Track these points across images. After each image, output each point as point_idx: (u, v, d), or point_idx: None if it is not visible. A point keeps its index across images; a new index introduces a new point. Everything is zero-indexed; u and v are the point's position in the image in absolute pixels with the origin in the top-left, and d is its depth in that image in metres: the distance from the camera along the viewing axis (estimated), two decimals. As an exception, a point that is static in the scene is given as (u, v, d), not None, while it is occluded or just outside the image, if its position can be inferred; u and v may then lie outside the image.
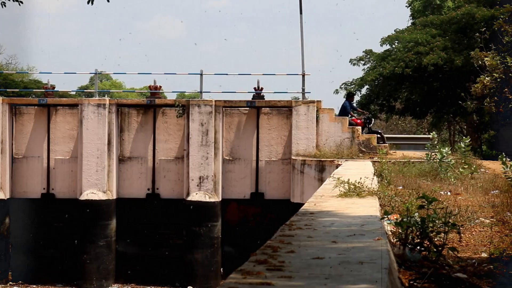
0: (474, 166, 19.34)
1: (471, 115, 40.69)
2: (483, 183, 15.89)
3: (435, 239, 6.56)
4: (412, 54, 39.32)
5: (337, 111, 29.51)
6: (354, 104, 31.89)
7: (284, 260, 5.15)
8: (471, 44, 38.45)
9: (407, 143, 39.02)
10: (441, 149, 19.70)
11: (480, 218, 10.03)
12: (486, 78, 34.55)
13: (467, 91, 37.02)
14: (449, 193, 13.89)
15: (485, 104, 35.01)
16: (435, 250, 6.35)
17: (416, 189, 13.29)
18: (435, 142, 21.95)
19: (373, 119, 29.78)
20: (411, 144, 38.41)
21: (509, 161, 16.37)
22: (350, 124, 27.45)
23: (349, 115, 28.30)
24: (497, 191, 14.12)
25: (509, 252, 7.18)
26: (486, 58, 34.80)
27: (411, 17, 47.42)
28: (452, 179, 17.03)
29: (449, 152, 19.81)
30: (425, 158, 20.76)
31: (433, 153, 20.30)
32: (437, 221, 6.53)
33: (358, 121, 28.32)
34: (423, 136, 37.47)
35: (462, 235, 8.55)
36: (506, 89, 34.07)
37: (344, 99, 31.03)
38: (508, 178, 15.51)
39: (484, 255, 7.20)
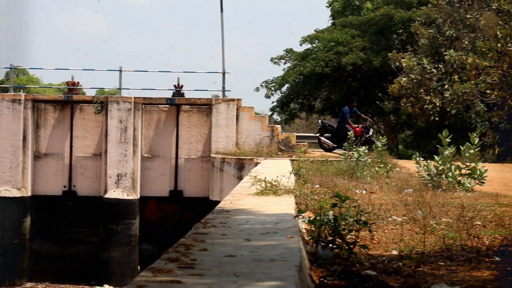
0: (390, 165, 19.70)
1: (389, 115, 41.48)
2: (397, 182, 16.20)
3: (347, 237, 6.68)
4: (332, 54, 39.86)
5: (257, 109, 29.65)
6: (357, 110, 28.95)
7: (196, 258, 5.17)
8: (389, 45, 39.23)
9: (326, 142, 39.32)
10: (358, 148, 20.00)
11: (393, 216, 10.23)
12: (403, 79, 35.41)
13: (385, 91, 37.77)
14: (364, 192, 14.12)
15: (402, 104, 35.87)
16: (346, 247, 6.47)
17: (332, 187, 13.47)
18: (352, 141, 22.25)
19: (371, 129, 27.40)
20: (330, 143, 38.72)
21: (422, 160, 16.76)
22: (347, 130, 25.28)
23: (346, 123, 26.82)
24: (410, 190, 14.43)
25: (418, 249, 7.37)
26: (403, 60, 35.71)
27: (331, 17, 48.03)
28: (368, 178, 17.31)
29: (366, 151, 20.13)
30: (342, 157, 21.05)
31: (350, 152, 20.58)
32: (349, 219, 6.66)
33: (357, 129, 26.43)
34: (342, 135, 37.88)
35: (374, 233, 8.72)
36: (422, 90, 34.91)
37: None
38: (421, 177, 15.89)
39: (394, 252, 7.36)
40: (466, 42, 34.58)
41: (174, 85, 28.41)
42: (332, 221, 6.53)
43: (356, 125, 27.07)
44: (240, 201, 9.98)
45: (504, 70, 30.56)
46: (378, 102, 38.85)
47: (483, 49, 32.13)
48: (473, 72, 32.02)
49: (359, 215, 6.80)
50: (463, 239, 7.67)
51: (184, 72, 32.19)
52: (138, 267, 25.87)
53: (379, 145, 20.40)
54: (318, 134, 28.20)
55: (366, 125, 27.03)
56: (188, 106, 27.70)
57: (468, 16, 34.64)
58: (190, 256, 5.23)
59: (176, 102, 27.50)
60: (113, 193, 26.09)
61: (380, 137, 21.90)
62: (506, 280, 5.51)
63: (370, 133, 26.84)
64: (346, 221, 6.65)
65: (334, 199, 6.97)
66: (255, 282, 4.37)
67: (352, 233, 6.69)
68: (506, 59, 30.30)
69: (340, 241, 6.53)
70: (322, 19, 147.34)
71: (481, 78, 31.96)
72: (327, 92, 44.05)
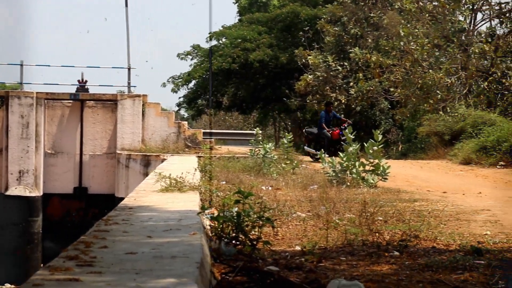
0: (296, 162, 19.87)
1: (295, 112, 41.91)
2: (303, 179, 16.36)
3: (251, 233, 6.70)
4: (239, 50, 39.95)
5: (165, 106, 29.49)
6: (335, 113, 26.48)
7: (96, 255, 5.10)
8: (296, 42, 39.60)
9: (233, 139, 39.45)
10: (265, 144, 20.11)
11: (298, 212, 10.33)
12: (309, 76, 35.84)
13: (292, 88, 38.14)
14: (270, 188, 14.21)
15: (308, 101, 36.32)
16: (249, 244, 6.49)
17: (238, 184, 13.50)
18: (259, 138, 22.37)
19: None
20: (237, 139, 38.87)
21: (327, 157, 16.97)
22: (323, 135, 24.33)
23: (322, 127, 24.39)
24: (315, 186, 14.58)
25: (321, 245, 7.45)
26: (309, 57, 36.13)
27: (238, 14, 48.14)
28: (275, 174, 17.43)
29: (273, 148, 20.25)
30: (249, 153, 21.13)
31: (257, 149, 20.67)
32: (252, 216, 6.68)
33: (334, 132, 24.09)
34: (249, 132, 38.09)
35: (278, 229, 8.78)
36: (327, 87, 35.41)
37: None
38: (326, 173, 16.09)
39: (298, 248, 7.43)
40: (370, 40, 35.24)
41: (78, 80, 27.99)
42: (235, 217, 6.54)
43: (334, 128, 24.36)
44: (144, 198, 9.90)
45: (407, 68, 31.34)
46: (285, 99, 39.19)
47: (387, 48, 32.92)
48: (377, 70, 32.72)
49: (262, 212, 6.83)
50: (364, 234, 7.79)
51: (88, 67, 31.71)
52: (42, 265, 25.36)
53: (285, 142, 20.54)
54: (306, 146, 25.94)
55: (344, 127, 23.56)
56: (92, 101, 27.30)
57: (372, 14, 35.30)
58: (89, 254, 5.15)
59: (80, 98, 27.07)
60: (15, 190, 25.52)
61: (286, 133, 22.04)
62: (404, 274, 5.63)
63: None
64: (250, 218, 6.67)
65: (237, 196, 6.97)
66: (154, 279, 4.34)
67: (255, 230, 6.72)
68: (408, 57, 31.09)
69: (243, 237, 6.55)
70: (230, 15, 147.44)
71: (385, 76, 32.69)
72: (235, 89, 44.15)
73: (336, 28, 36.45)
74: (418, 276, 5.52)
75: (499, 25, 32.29)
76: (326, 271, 5.94)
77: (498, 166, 22.09)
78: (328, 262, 6.42)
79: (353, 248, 7.12)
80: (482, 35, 31.85)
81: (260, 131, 23.38)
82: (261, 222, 6.69)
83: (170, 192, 10.69)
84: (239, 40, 40.56)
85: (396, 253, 6.70)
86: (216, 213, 7.02)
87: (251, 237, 6.60)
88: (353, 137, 16.14)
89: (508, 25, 31.57)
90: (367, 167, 15.53)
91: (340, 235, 7.86)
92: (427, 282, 5.29)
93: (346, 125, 22.38)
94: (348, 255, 6.78)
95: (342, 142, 21.68)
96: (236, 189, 8.24)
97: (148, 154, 25.27)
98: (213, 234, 6.73)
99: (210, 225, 7.11)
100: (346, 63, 35.52)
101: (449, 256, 6.37)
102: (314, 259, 6.48)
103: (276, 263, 6.20)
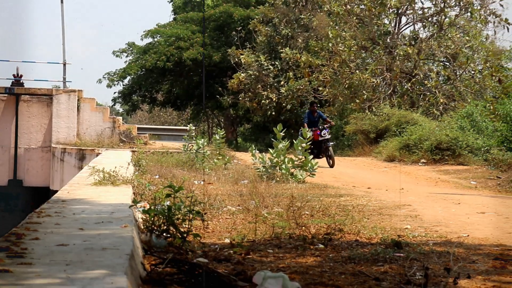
0: (228, 158, 19.88)
1: (228, 109, 41.94)
2: (234, 174, 16.37)
3: (181, 226, 6.68)
4: (173, 49, 39.79)
5: (101, 102, 29.19)
6: (321, 114, 22.80)
7: (27, 247, 5.01)
8: (229, 42, 39.66)
9: (167, 134, 39.17)
10: (198, 140, 20.06)
11: (228, 206, 10.33)
12: (242, 74, 35.92)
13: (225, 86, 38.16)
14: (202, 183, 14.18)
15: (241, 98, 36.41)
16: (180, 236, 6.47)
17: (171, 178, 13.44)
18: (193, 134, 22.29)
19: (325, 130, 21.24)
20: (171, 135, 38.61)
21: (258, 153, 17.03)
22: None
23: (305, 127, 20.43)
24: (246, 181, 14.61)
25: (249, 238, 7.47)
26: (242, 56, 36.21)
27: (172, 13, 47.92)
28: (207, 169, 17.40)
29: (205, 144, 20.22)
30: (183, 149, 21.06)
31: (190, 144, 20.62)
32: (183, 209, 6.66)
33: (315, 132, 20.92)
34: (183, 128, 37.93)
35: (209, 222, 8.78)
36: (259, 86, 35.53)
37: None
38: (257, 169, 16.14)
39: (227, 241, 7.43)
40: (300, 41, 35.49)
41: (13, 75, 27.46)
42: (166, 211, 6.51)
43: (315, 128, 21.20)
44: (77, 191, 9.78)
45: (335, 69, 31.65)
46: (218, 97, 39.18)
47: (316, 48, 33.19)
48: (307, 70, 33.00)
49: (192, 205, 6.82)
50: (291, 228, 7.85)
51: (23, 62, 31.09)
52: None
53: (217, 138, 20.54)
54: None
55: (322, 127, 21.23)
56: (28, 96, 26.83)
57: (302, 16, 35.56)
58: (21, 245, 5.06)
59: (15, 92, 26.58)
60: None
61: (219, 130, 22.04)
62: (328, 266, 5.68)
63: (325, 136, 20.92)
64: (180, 211, 6.65)
65: (168, 190, 6.94)
66: (84, 271, 4.28)
67: (185, 223, 6.70)
68: (336, 58, 31.41)
69: (174, 230, 6.52)
70: (164, 14, 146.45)
71: (314, 75, 32.96)
72: (169, 86, 44.00)
73: (268, 29, 36.65)
74: (341, 268, 5.58)
75: (422, 29, 32.93)
76: (254, 263, 5.96)
77: (419, 164, 22.51)
78: (255, 254, 6.45)
79: (280, 241, 7.16)
80: (406, 38, 32.42)
81: (194, 127, 23.29)
82: (191, 216, 6.67)
83: (103, 185, 10.58)
84: (173, 39, 40.40)
85: (321, 246, 6.76)
86: (148, 207, 6.98)
87: (181, 230, 6.58)
88: (283, 134, 16.22)
89: (431, 29, 32.20)
90: (295, 163, 15.64)
91: (268, 229, 7.90)
92: (349, 274, 5.35)
93: (326, 126, 20.90)
94: (275, 247, 6.81)
95: (327, 143, 20.63)
96: (168, 183, 8.20)
97: (83, 148, 24.97)
98: (145, 227, 6.69)
99: (142, 218, 7.06)
100: (277, 63, 35.71)
101: (371, 249, 6.46)
102: (242, 251, 6.49)
103: (206, 255, 6.19)
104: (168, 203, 6.85)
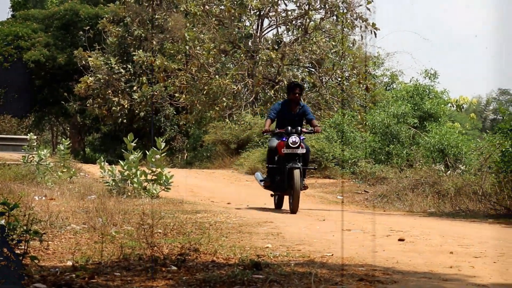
0: (74, 170, 19.51)
1: (75, 116, 41.21)
2: (81, 188, 16.05)
3: (17, 248, 6.47)
4: (11, 49, 38.71)
5: None
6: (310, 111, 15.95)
7: None
8: (75, 42, 38.99)
9: (5, 144, 37.96)
10: (40, 151, 19.57)
11: (72, 225, 10.09)
12: (90, 78, 35.35)
13: (71, 91, 37.45)
14: (43, 198, 13.82)
15: (89, 105, 35.81)
16: (14, 259, 6.26)
17: (7, 194, 13.01)
18: (34, 144, 21.71)
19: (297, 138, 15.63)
20: (9, 145, 37.42)
21: (107, 165, 16.77)
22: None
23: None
24: (93, 196, 14.35)
25: (95, 259, 7.32)
26: (90, 58, 35.66)
27: (11, 9, 46.65)
28: (50, 183, 16.99)
29: (48, 155, 19.75)
30: (22, 160, 20.48)
31: (31, 155, 20.07)
32: (18, 229, 6.45)
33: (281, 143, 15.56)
34: (23, 137, 36.88)
35: (50, 242, 8.53)
36: (109, 91, 35.07)
37: None
38: (106, 182, 15.89)
39: (69, 263, 7.24)
40: (154, 43, 35.33)
41: None
42: (-1, 231, 6.27)
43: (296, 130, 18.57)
44: None
45: (193, 74, 31.68)
46: (63, 102, 38.40)
47: (172, 51, 33.11)
48: (162, 74, 32.88)
49: (30, 224, 6.62)
50: (142, 248, 7.74)
51: None
52: None
53: (62, 148, 20.10)
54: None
55: (298, 132, 16.24)
56: None
57: (156, 16, 35.43)
58: None
59: None
60: None
61: (64, 139, 21.57)
62: (180, 290, 5.63)
63: (295, 146, 15.42)
64: (16, 231, 6.43)
65: (1, 207, 6.70)
66: None
67: (21, 244, 6.48)
68: (194, 62, 31.44)
69: (8, 252, 6.30)
70: (3, 10, 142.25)
71: (169, 80, 32.88)
72: (7, 90, 42.77)
73: (119, 29, 36.30)
74: (195, 292, 5.55)
75: (285, 32, 33.51)
76: (99, 287, 5.83)
77: (283, 176, 22.82)
78: (101, 278, 6.31)
79: (129, 263, 7.04)
80: (269, 42, 32.87)
81: (35, 136, 22.69)
82: (28, 236, 6.46)
83: None
84: (12, 37, 39.31)
85: (174, 267, 6.69)
86: (-22, 227, 6.71)
87: (16, 252, 6.36)
88: (135, 144, 16.05)
89: (295, 33, 32.80)
90: (149, 176, 15.51)
91: (116, 249, 7.76)
92: (204, 298, 5.32)
93: (305, 132, 13.73)
94: (123, 270, 6.69)
95: (295, 163, 12.89)
96: (2, 200, 7.92)
97: None
98: (-27, 249, 6.42)
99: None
100: (129, 66, 35.42)
101: (228, 270, 6.44)
102: (86, 275, 6.34)
103: (44, 280, 6.01)
104: (3, 222, 6.63)
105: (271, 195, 14.22)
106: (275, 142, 13.37)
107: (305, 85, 31.82)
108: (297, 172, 12.52)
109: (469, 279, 6.67)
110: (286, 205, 13.59)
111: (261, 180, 14.22)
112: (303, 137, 13.25)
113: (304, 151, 12.90)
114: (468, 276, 6.87)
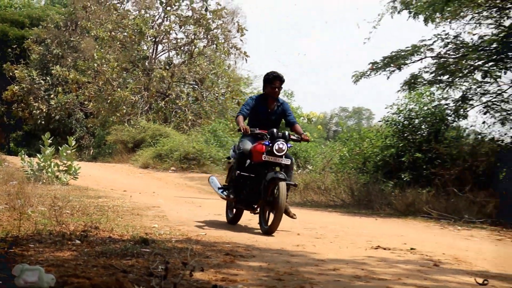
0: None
1: (1, 117, 39.71)
2: (4, 175, 15.46)
3: None
4: None
5: None
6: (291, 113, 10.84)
7: None
8: (5, 58, 37.59)
9: None
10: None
11: (-4, 205, 9.75)
12: (15, 87, 34.31)
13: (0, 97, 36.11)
14: (-28, 183, 13.25)
15: (14, 108, 34.75)
16: None
17: None
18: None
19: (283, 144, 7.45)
20: None
21: (27, 157, 16.25)
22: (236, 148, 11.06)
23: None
24: (15, 182, 13.86)
25: (13, 234, 7.09)
26: (16, 71, 34.66)
27: None
28: (-23, 171, 16.31)
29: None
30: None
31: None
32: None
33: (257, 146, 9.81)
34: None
35: (-24, 220, 8.21)
36: (31, 97, 34.04)
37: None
38: (25, 171, 15.39)
39: (-8, 237, 6.99)
40: (69, 60, 34.57)
41: None
42: None
43: (260, 133, 12.34)
44: None
45: (99, 86, 31.13)
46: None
47: (83, 67, 32.46)
48: (74, 86, 32.27)
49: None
50: (53, 225, 7.55)
51: None
52: None
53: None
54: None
55: (281, 136, 9.62)
56: None
57: (72, 39, 34.71)
58: None
59: None
60: None
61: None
62: (82, 259, 5.52)
63: (280, 154, 8.76)
64: None
65: None
66: None
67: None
68: (101, 77, 30.90)
69: None
70: None
71: (80, 91, 32.24)
72: None
73: (41, 48, 35.37)
74: (94, 262, 5.45)
75: (175, 56, 33.40)
76: (15, 256, 5.66)
77: (170, 171, 22.69)
78: (18, 248, 6.11)
79: (41, 237, 6.85)
80: (162, 63, 32.66)
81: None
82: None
83: None
84: None
85: (78, 241, 6.57)
86: None
87: None
88: (51, 141, 15.61)
89: (183, 57, 32.72)
90: (61, 167, 15.13)
91: (31, 225, 7.53)
92: (100, 267, 5.24)
93: (295, 137, 8.96)
94: (37, 242, 6.51)
95: (278, 173, 8.37)
96: None
97: None
98: None
99: None
100: (48, 78, 34.54)
101: (121, 245, 6.36)
102: (5, 245, 6.14)
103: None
104: None
105: (231, 208, 9.49)
106: (248, 144, 8.86)
107: (189, 98, 31.73)
108: (283, 185, 8.06)
109: (311, 255, 6.81)
110: (244, 220, 9.55)
111: (219, 188, 9.44)
112: (290, 144, 8.70)
113: (289, 162, 8.47)
114: (311, 252, 7.02)
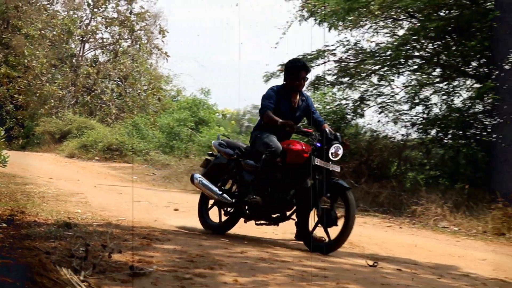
0: None
1: None
2: None
3: None
4: None
5: None
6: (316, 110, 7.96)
7: None
8: None
9: None
10: None
11: None
12: None
13: None
14: None
15: None
16: None
17: None
18: None
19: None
20: None
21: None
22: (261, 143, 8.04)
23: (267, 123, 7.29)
24: None
25: None
26: None
27: None
28: None
29: None
30: None
31: None
32: None
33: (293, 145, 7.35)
34: None
35: None
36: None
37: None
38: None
39: None
40: (1, 56, 33.22)
41: None
42: None
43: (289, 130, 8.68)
44: None
45: (29, 80, 30.12)
46: None
47: (14, 63, 31.29)
48: (5, 80, 31.02)
49: None
50: (-19, 210, 7.30)
51: None
52: None
53: None
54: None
55: (313, 136, 7.09)
56: None
57: (3, 36, 33.37)
58: None
59: None
60: None
61: None
62: (8, 242, 5.35)
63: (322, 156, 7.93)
64: None
65: None
66: None
67: None
68: (31, 72, 29.92)
69: None
70: None
71: (11, 85, 31.07)
72: None
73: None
74: (19, 244, 5.32)
75: (101, 54, 32.74)
76: None
77: (94, 160, 22.27)
78: None
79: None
80: (88, 61, 31.96)
81: None
82: None
83: None
84: None
85: (5, 225, 6.37)
86: None
87: None
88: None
89: (108, 55, 32.13)
90: None
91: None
92: (25, 248, 5.12)
93: (320, 137, 6.52)
94: (-36, 226, 6.28)
95: (335, 179, 6.36)
96: None
97: None
98: None
99: None
100: (-21, 71, 33.05)
101: (46, 228, 6.23)
102: None
103: None
104: None
105: (209, 210, 7.47)
106: (275, 141, 6.57)
107: (113, 94, 31.17)
108: (351, 195, 6.15)
109: (221, 239, 6.79)
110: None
111: (219, 191, 7.11)
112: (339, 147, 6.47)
113: (339, 169, 6.41)
114: (221, 236, 7.01)
